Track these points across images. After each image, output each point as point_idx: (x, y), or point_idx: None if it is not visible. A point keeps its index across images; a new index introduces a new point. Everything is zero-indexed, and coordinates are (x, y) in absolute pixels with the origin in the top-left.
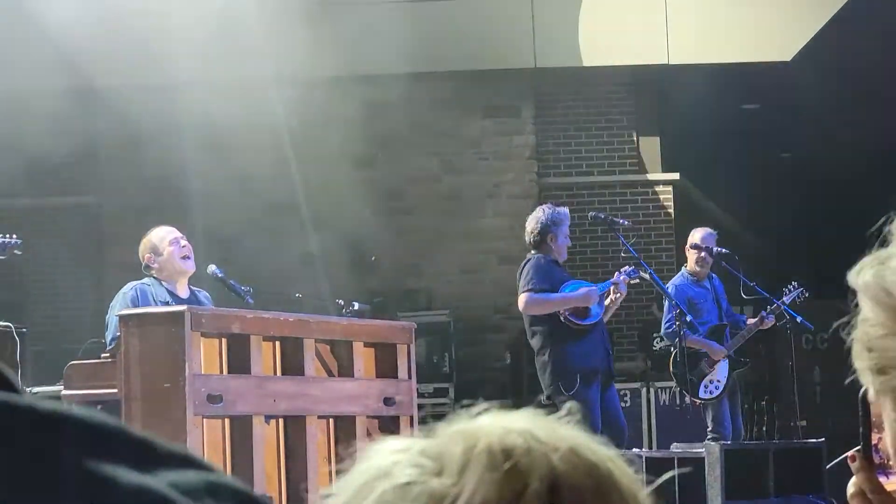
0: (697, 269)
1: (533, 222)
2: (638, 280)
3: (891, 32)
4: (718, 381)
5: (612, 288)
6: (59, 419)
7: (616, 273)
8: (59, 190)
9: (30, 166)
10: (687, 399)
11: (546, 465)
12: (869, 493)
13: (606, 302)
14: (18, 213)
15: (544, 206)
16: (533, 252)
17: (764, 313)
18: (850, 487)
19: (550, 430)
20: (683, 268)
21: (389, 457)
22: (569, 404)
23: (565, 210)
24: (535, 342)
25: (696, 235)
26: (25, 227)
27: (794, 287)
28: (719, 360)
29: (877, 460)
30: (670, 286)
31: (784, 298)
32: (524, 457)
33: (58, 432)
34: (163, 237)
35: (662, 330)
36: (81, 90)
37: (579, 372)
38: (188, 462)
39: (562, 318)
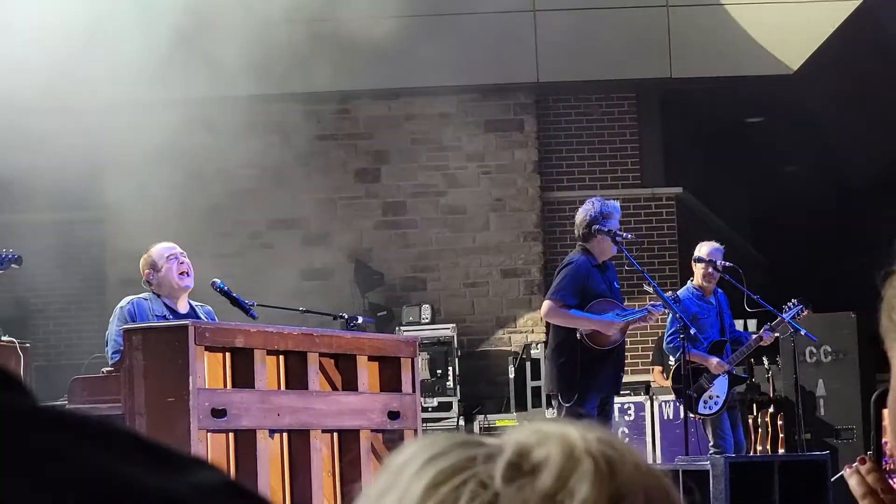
0: (704, 283)
1: (582, 214)
2: (662, 314)
3: (894, 44)
4: (718, 396)
5: (638, 318)
6: (79, 423)
7: (648, 306)
8: (62, 206)
9: (33, 182)
10: (690, 414)
11: (639, 479)
12: (881, 493)
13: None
14: (21, 229)
15: (594, 199)
16: (578, 249)
17: (764, 330)
18: (858, 488)
19: (618, 442)
20: (690, 282)
21: (457, 453)
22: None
23: (613, 203)
24: (550, 341)
25: (703, 249)
26: (28, 243)
27: (794, 304)
28: (719, 375)
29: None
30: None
31: (784, 315)
32: (622, 466)
33: (80, 435)
34: (161, 253)
35: (665, 344)
36: (85, 106)
37: (579, 389)
38: (203, 466)
39: (578, 336)
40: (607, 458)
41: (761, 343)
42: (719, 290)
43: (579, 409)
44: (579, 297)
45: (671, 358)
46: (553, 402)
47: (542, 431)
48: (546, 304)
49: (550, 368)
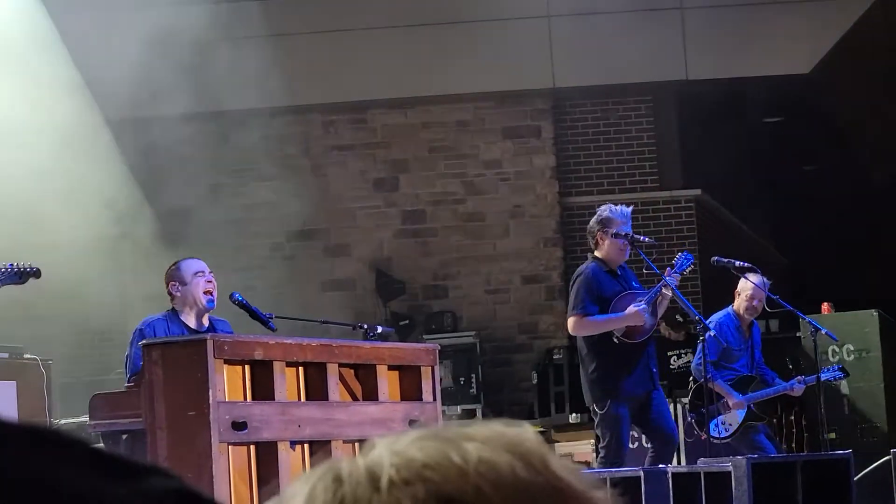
0: (745, 315)
1: (593, 223)
2: (692, 267)
3: None
4: (730, 424)
5: (660, 294)
6: (27, 432)
7: (663, 278)
8: (81, 221)
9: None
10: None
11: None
12: None
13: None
14: (43, 244)
15: (602, 206)
16: (589, 259)
17: (795, 382)
18: None
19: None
20: (730, 307)
21: None
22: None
23: (622, 208)
24: (579, 352)
25: (751, 281)
26: (51, 259)
27: (834, 369)
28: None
29: None
30: (713, 322)
31: (821, 375)
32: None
33: (28, 444)
34: (191, 268)
35: (693, 362)
36: (105, 121)
37: (611, 394)
38: (156, 473)
39: (615, 340)
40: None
41: (790, 393)
42: (756, 322)
43: (614, 413)
44: (598, 305)
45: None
46: (592, 413)
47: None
48: (570, 320)
49: (583, 380)
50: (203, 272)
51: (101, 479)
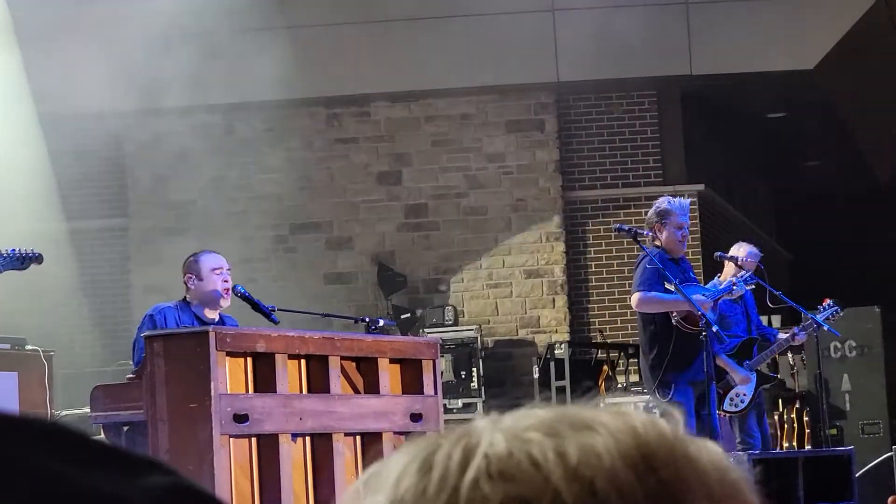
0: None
1: (652, 213)
2: (753, 287)
3: None
4: (745, 394)
5: (729, 292)
6: (23, 424)
7: (733, 279)
8: (87, 213)
9: (57, 189)
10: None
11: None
12: None
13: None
14: (46, 236)
15: (662, 197)
16: (651, 247)
17: (796, 330)
18: None
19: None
20: (717, 278)
21: None
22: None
23: (680, 201)
24: (642, 341)
25: (742, 250)
26: (53, 250)
27: (829, 305)
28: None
29: None
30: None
31: (818, 316)
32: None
33: (24, 437)
34: (210, 264)
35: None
36: (109, 114)
37: (675, 381)
38: (155, 468)
39: (673, 322)
40: (511, 460)
41: (792, 343)
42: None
43: (677, 401)
44: (661, 285)
45: None
46: (654, 401)
47: (468, 428)
48: (635, 296)
49: (644, 368)
50: (221, 269)
51: (101, 475)
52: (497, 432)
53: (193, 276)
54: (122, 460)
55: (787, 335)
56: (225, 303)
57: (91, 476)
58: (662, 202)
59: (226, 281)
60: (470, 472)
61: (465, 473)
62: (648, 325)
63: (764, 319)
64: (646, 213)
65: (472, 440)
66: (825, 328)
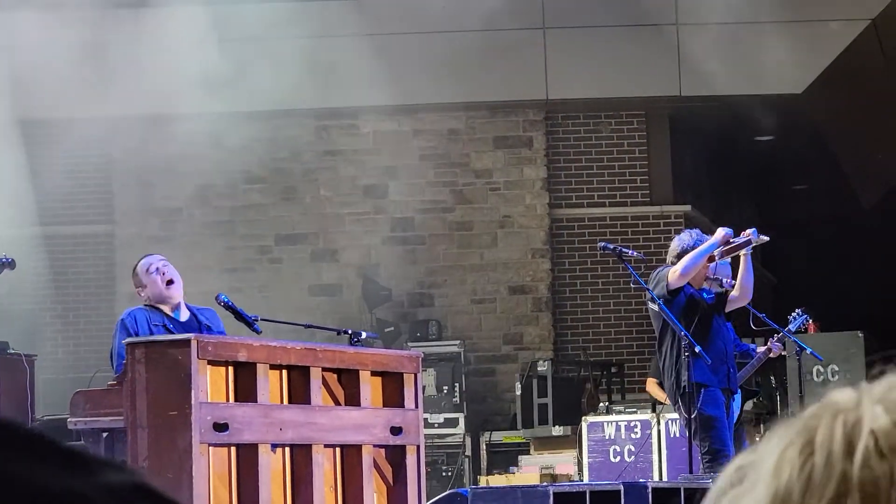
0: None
1: (676, 241)
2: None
3: None
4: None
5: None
6: None
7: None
8: (72, 219)
9: (43, 195)
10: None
11: None
12: None
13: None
14: (31, 242)
15: (690, 230)
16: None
17: (772, 343)
18: None
19: None
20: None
21: None
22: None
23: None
24: (660, 355)
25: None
26: (38, 256)
27: (798, 314)
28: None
29: None
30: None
31: (790, 326)
32: None
33: None
34: (143, 269)
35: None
36: (96, 120)
37: (695, 393)
38: (113, 467)
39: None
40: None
41: (770, 356)
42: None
43: (704, 414)
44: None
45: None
46: (681, 418)
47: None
48: (673, 273)
49: (668, 387)
50: (154, 266)
51: (52, 472)
52: (876, 405)
53: (140, 287)
54: (80, 459)
55: (764, 349)
56: (176, 291)
57: (40, 473)
58: (694, 235)
59: (164, 273)
60: (858, 452)
61: (854, 454)
62: (660, 343)
63: (746, 342)
64: (632, 233)
65: (850, 416)
66: (808, 351)
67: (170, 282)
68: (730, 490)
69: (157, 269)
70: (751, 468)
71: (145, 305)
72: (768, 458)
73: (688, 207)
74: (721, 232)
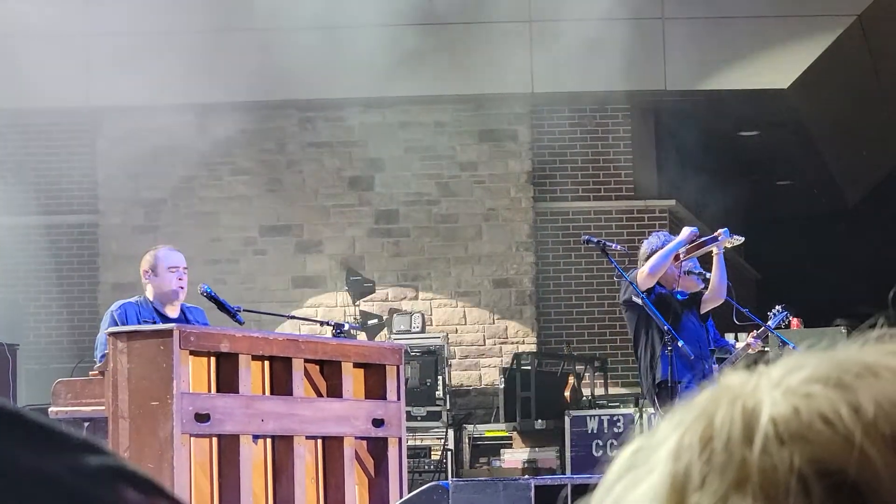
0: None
1: (644, 245)
2: (760, 348)
3: (888, 60)
4: None
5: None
6: None
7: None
8: (56, 209)
9: (26, 185)
10: None
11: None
12: None
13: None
14: (13, 231)
15: (658, 232)
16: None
17: (752, 338)
18: None
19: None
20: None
21: None
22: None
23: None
24: (637, 357)
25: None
26: (20, 246)
27: (779, 311)
28: None
29: None
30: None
31: (770, 322)
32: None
33: None
34: (166, 262)
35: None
36: (81, 110)
37: (671, 391)
38: (89, 447)
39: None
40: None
41: (749, 351)
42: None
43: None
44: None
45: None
46: (657, 414)
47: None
48: (641, 273)
49: (646, 387)
50: (177, 268)
51: (32, 453)
52: (774, 389)
53: (150, 272)
54: (56, 439)
55: (743, 344)
56: (179, 298)
57: (13, 449)
58: (662, 236)
59: (180, 279)
60: (758, 438)
61: (754, 440)
62: (636, 344)
63: (729, 338)
64: (616, 227)
65: (749, 401)
66: (791, 346)
67: (182, 289)
68: (626, 474)
69: (178, 271)
70: (648, 452)
71: (138, 298)
72: (666, 442)
73: (672, 202)
74: (687, 231)
